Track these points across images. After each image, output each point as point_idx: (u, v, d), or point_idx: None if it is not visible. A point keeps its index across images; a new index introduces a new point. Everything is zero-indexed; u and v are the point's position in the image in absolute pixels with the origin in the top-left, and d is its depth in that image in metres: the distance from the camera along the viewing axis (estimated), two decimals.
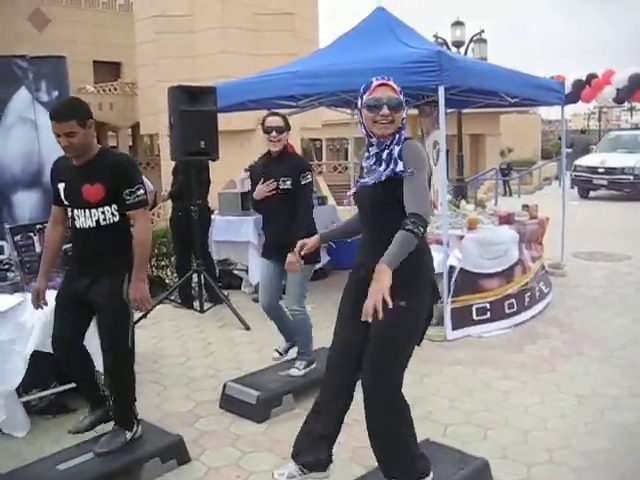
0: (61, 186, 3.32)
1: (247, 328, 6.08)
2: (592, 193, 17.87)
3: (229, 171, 8.45)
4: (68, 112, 3.17)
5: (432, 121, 7.31)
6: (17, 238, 4.27)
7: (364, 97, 2.75)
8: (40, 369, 3.95)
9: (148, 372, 4.99)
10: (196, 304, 6.78)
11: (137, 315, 4.18)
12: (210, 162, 6.70)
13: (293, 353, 4.64)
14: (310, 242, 3.21)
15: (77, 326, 3.36)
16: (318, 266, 5.36)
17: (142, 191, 3.29)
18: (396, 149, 2.71)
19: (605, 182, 17.34)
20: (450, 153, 14.79)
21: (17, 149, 5.02)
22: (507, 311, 5.93)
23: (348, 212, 8.50)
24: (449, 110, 7.68)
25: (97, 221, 3.26)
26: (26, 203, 5.07)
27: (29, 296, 3.56)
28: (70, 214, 3.33)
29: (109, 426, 3.49)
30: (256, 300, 6.95)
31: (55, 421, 4.03)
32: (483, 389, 4.52)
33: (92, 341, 3.49)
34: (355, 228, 3.15)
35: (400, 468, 2.84)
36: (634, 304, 6.64)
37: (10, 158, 5.02)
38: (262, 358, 5.12)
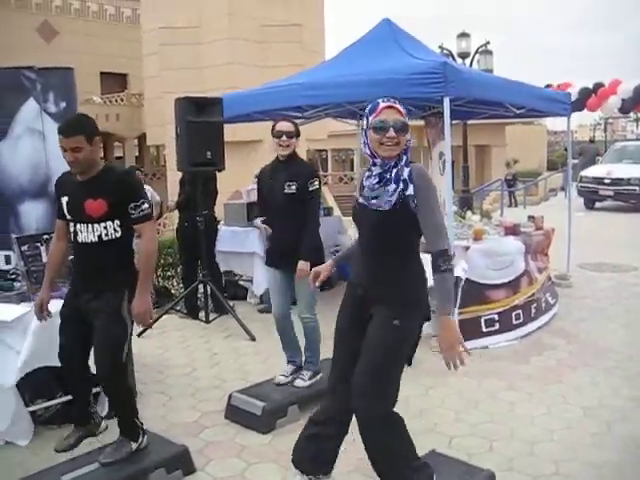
0: (64, 200, 3.36)
1: (253, 339, 6.07)
2: (598, 204, 17.80)
3: (235, 182, 8.48)
4: (76, 127, 3.22)
5: (438, 132, 7.31)
6: (24, 248, 4.28)
7: (370, 118, 2.76)
8: (46, 379, 3.97)
9: (154, 382, 5.00)
10: (202, 314, 6.78)
11: (137, 329, 4.13)
12: (217, 173, 6.72)
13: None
14: (324, 271, 3.22)
15: (80, 340, 3.37)
16: None
17: (147, 205, 3.33)
18: (405, 171, 2.74)
19: (611, 193, 17.26)
20: (456, 164, 14.81)
21: (24, 160, 5.06)
22: (514, 322, 5.91)
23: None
24: (454, 121, 7.69)
25: (99, 236, 3.29)
26: (33, 213, 5.10)
27: None
28: (72, 228, 3.36)
29: (115, 436, 3.49)
30: (262, 311, 6.99)
31: (60, 431, 4.01)
32: (489, 400, 4.50)
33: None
34: None
35: None
36: None
37: (17, 168, 5.06)
38: (267, 369, 5.12)
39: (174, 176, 8.83)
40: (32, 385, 3.96)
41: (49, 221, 4.81)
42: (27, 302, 4.07)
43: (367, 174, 2.85)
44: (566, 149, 11.43)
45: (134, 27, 26.39)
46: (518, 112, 7.20)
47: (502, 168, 25.73)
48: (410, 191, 2.71)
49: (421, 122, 8.11)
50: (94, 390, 3.68)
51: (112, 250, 3.32)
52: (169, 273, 8.22)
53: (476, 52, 16.55)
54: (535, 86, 7.11)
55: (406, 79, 5.40)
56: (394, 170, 2.73)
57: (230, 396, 4.34)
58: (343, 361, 2.96)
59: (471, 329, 5.60)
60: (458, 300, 5.59)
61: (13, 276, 4.44)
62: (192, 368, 5.36)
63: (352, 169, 32.17)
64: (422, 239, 2.81)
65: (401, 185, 2.71)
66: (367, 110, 2.80)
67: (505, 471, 3.47)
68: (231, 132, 7.26)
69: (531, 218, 7.22)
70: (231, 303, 6.91)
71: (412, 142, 2.83)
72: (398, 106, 2.76)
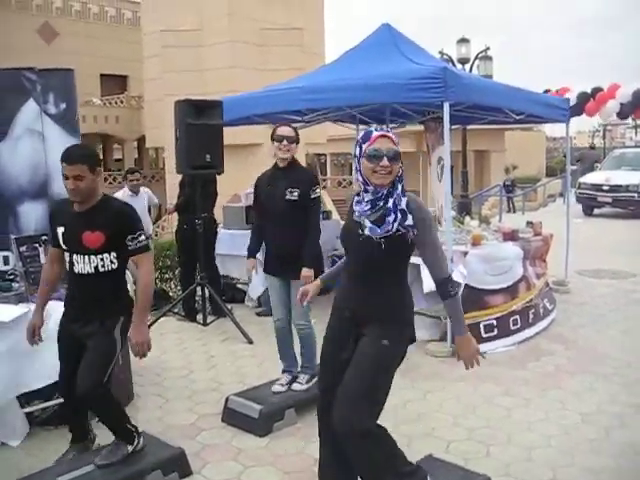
0: (60, 230, 3.36)
1: (250, 342, 6.06)
2: (596, 210, 17.84)
3: (234, 185, 8.48)
4: (81, 156, 3.24)
5: (437, 137, 7.32)
6: (22, 249, 4.28)
7: (364, 147, 2.77)
8: None
9: (151, 385, 4.99)
10: (199, 317, 6.78)
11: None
12: (216, 175, 6.71)
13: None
14: (312, 290, 3.36)
15: (78, 363, 3.33)
16: None
17: (143, 237, 3.35)
18: (403, 201, 2.76)
19: (609, 200, 17.31)
20: (455, 169, 14.82)
21: (24, 160, 5.06)
22: (512, 328, 5.90)
23: None
24: (454, 126, 7.70)
25: (96, 267, 3.30)
26: (32, 214, 5.09)
27: (33, 307, 3.57)
28: (68, 259, 3.36)
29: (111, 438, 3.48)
30: (259, 314, 6.98)
31: (57, 432, 4.01)
32: (486, 405, 4.50)
33: None
34: None
35: None
36: (639, 321, 6.61)
37: (17, 169, 5.06)
38: (264, 372, 5.11)
39: (173, 179, 8.83)
40: None
41: (48, 222, 4.80)
42: (25, 303, 4.07)
43: (357, 199, 2.87)
44: (565, 155, 11.45)
45: (135, 29, 26.47)
46: (517, 118, 7.22)
47: (501, 173, 25.76)
48: (409, 221, 2.73)
49: (420, 127, 8.12)
50: None
51: (108, 281, 3.34)
52: (167, 275, 8.21)
53: (476, 58, 16.61)
54: (533, 92, 7.11)
55: (406, 84, 5.41)
56: (390, 200, 2.75)
57: (227, 399, 4.33)
58: (327, 392, 2.97)
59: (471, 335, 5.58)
60: None
61: (11, 277, 4.45)
62: (189, 371, 5.35)
63: (351, 173, 32.16)
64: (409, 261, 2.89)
65: (399, 215, 2.73)
66: (360, 138, 2.82)
67: (502, 476, 3.46)
68: (231, 135, 7.25)
69: (530, 224, 7.22)
70: (229, 306, 6.91)
71: (402, 168, 2.82)
72: (391, 135, 2.79)
